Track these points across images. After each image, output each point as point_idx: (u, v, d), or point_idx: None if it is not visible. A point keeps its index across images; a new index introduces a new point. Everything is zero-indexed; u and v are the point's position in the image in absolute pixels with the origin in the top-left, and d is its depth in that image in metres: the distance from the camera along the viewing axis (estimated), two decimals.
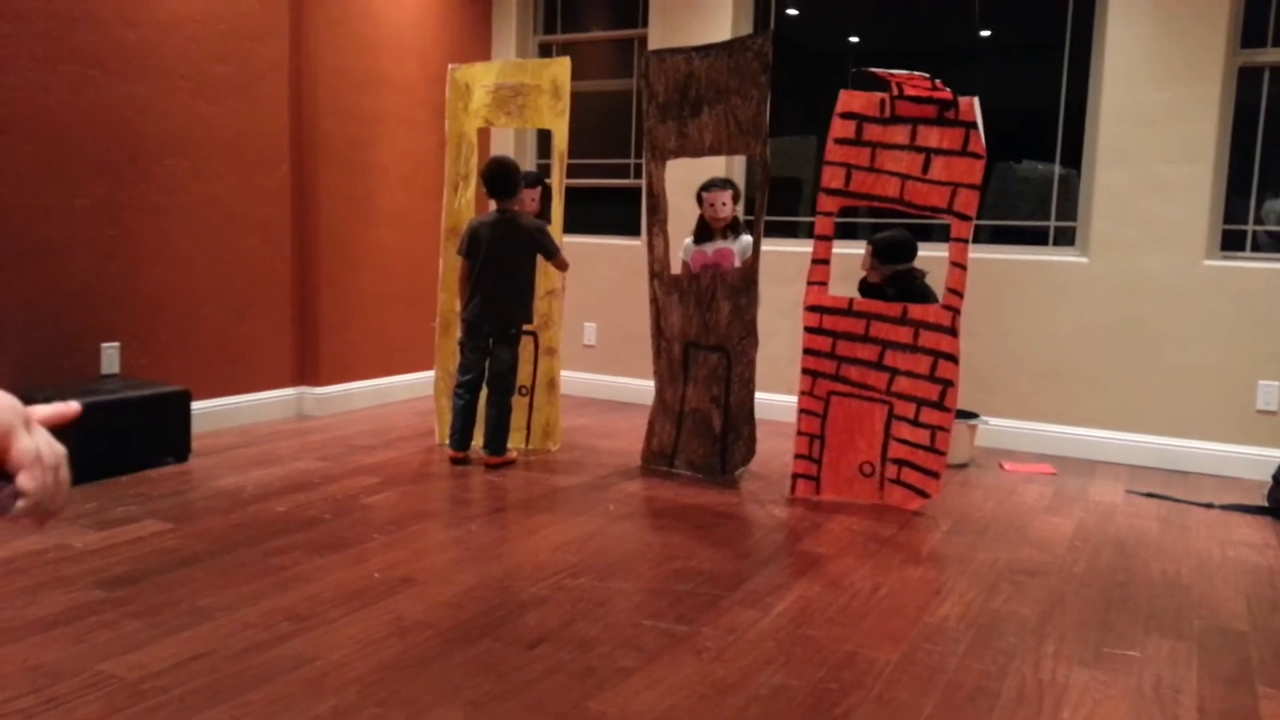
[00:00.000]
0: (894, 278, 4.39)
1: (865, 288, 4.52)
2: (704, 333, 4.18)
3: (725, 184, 4.48)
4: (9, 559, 2.98)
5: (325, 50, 5.12)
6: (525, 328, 4.46)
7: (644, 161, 4.27)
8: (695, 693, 2.29)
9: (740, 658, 2.49)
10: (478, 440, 4.43)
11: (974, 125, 3.60)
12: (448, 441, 4.44)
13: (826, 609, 2.83)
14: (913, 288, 4.30)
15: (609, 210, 6.25)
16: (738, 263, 4.33)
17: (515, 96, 4.57)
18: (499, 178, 4.25)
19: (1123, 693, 2.38)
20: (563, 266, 4.39)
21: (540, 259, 4.33)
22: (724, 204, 4.42)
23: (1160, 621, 2.84)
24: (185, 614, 2.62)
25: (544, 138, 6.25)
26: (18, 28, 3.93)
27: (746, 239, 4.39)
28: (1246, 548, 3.56)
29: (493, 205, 4.30)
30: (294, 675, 2.30)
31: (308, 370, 5.28)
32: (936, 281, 4.26)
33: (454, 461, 4.33)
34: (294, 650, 2.43)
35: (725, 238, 4.45)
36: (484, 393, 4.37)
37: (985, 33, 5.29)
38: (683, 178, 4.75)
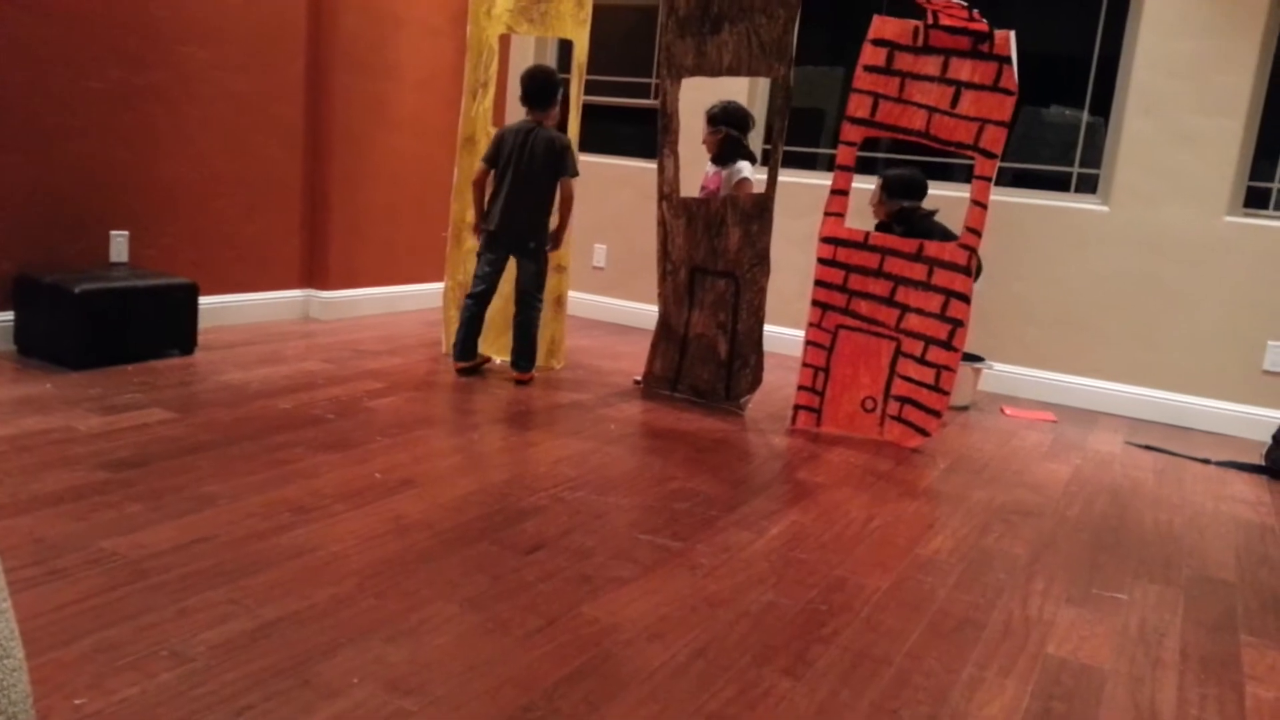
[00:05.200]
0: (900, 214, 4.35)
1: (882, 224, 4.48)
2: (712, 258, 4.15)
3: (707, 111, 4.43)
4: (15, 436, 3.01)
5: None
6: (559, 248, 4.43)
7: (659, 79, 4.18)
8: (687, 605, 2.33)
9: (733, 575, 2.52)
10: (490, 351, 4.44)
11: (1008, 60, 3.52)
12: (452, 352, 4.44)
13: (820, 535, 2.86)
14: (918, 226, 4.26)
15: (626, 131, 6.15)
16: (723, 190, 4.29)
17: (538, 3, 4.47)
18: (537, 87, 4.15)
19: (1108, 632, 2.42)
20: (567, 191, 4.19)
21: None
22: (706, 132, 4.42)
23: (1150, 568, 2.87)
24: (188, 499, 2.65)
25: (564, 49, 6.12)
26: None
27: (737, 166, 4.33)
28: (1240, 503, 3.59)
29: (524, 114, 4.22)
30: (294, 563, 2.33)
31: (316, 273, 5.26)
32: (955, 219, 4.22)
33: (459, 372, 4.33)
34: (295, 540, 2.46)
35: (722, 164, 4.39)
36: (494, 308, 4.37)
37: None
38: (701, 99, 4.65)
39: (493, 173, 4.21)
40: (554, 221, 4.30)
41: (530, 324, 4.29)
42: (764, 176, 4.16)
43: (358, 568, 2.35)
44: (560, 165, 4.15)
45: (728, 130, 4.37)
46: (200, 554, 2.33)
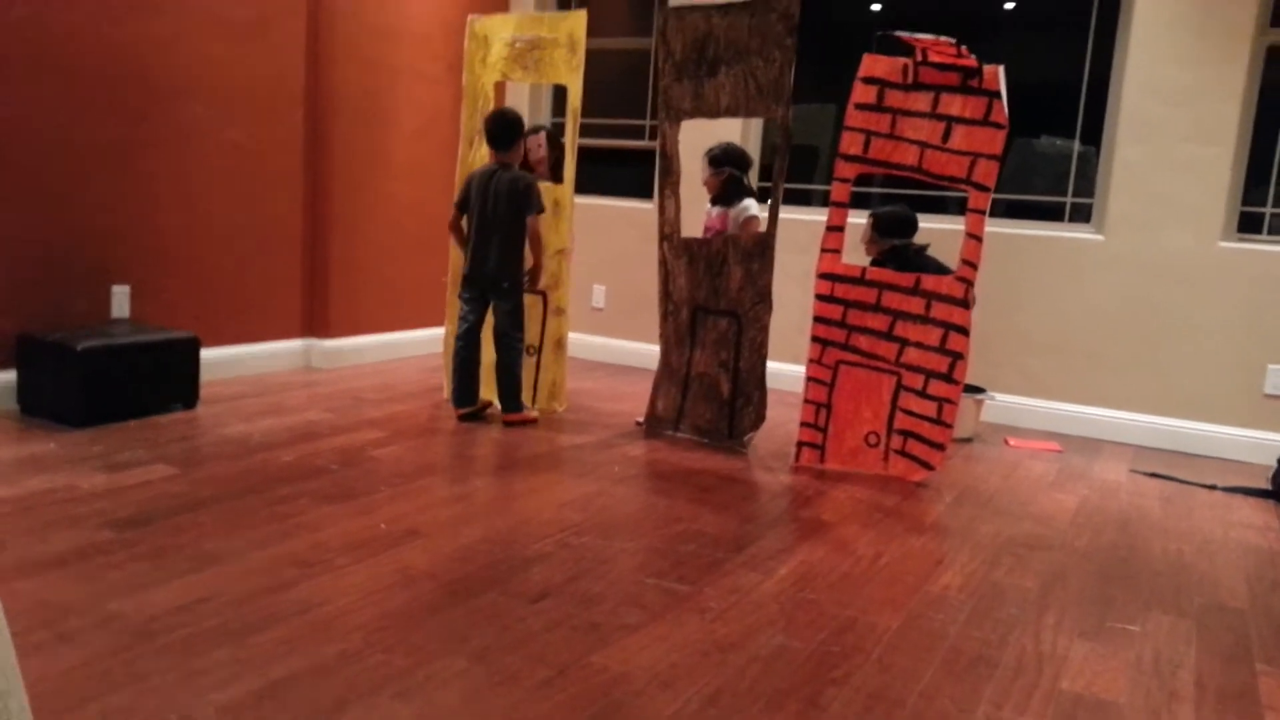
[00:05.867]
0: (891, 253, 4.38)
1: (877, 260, 4.50)
2: (713, 297, 4.17)
3: (706, 153, 4.47)
4: (20, 498, 3.00)
5: None
6: (538, 287, 4.46)
7: (658, 121, 4.23)
8: (697, 650, 2.31)
9: (742, 618, 2.50)
10: (490, 396, 4.46)
11: (998, 94, 3.56)
12: (451, 398, 4.46)
13: (829, 575, 2.85)
14: (911, 263, 4.29)
15: (622, 172, 6.21)
16: (730, 228, 4.32)
17: (532, 50, 4.53)
18: (497, 129, 4.24)
19: (1122, 665, 2.40)
20: (532, 229, 4.24)
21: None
22: (703, 170, 4.45)
23: (1161, 598, 2.85)
24: (192, 557, 2.64)
25: (559, 95, 6.19)
26: None
27: (743, 204, 4.36)
28: (1248, 529, 3.57)
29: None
30: (300, 620, 2.32)
31: (317, 322, 5.28)
32: (949, 252, 4.24)
33: (460, 418, 4.34)
34: (300, 595, 2.45)
35: (727, 203, 4.42)
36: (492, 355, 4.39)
37: (1009, 4, 5.22)
38: (700, 140, 4.70)
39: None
40: (531, 261, 4.36)
41: (511, 364, 4.31)
42: (764, 214, 4.19)
43: (364, 622, 2.33)
44: (524, 204, 4.20)
45: (730, 171, 4.41)
46: (206, 613, 2.32)
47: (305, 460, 3.59)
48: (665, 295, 4.30)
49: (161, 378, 4.11)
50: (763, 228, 4.21)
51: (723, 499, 3.50)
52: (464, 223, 4.34)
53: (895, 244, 4.39)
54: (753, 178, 4.64)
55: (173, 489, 3.18)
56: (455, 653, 2.21)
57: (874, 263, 4.41)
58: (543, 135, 4.72)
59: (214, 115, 4.64)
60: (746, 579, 2.77)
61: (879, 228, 4.44)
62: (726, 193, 4.41)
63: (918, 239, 4.47)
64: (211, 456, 3.57)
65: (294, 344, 5.21)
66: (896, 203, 4.76)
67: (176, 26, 4.42)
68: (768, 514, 3.39)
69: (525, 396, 4.61)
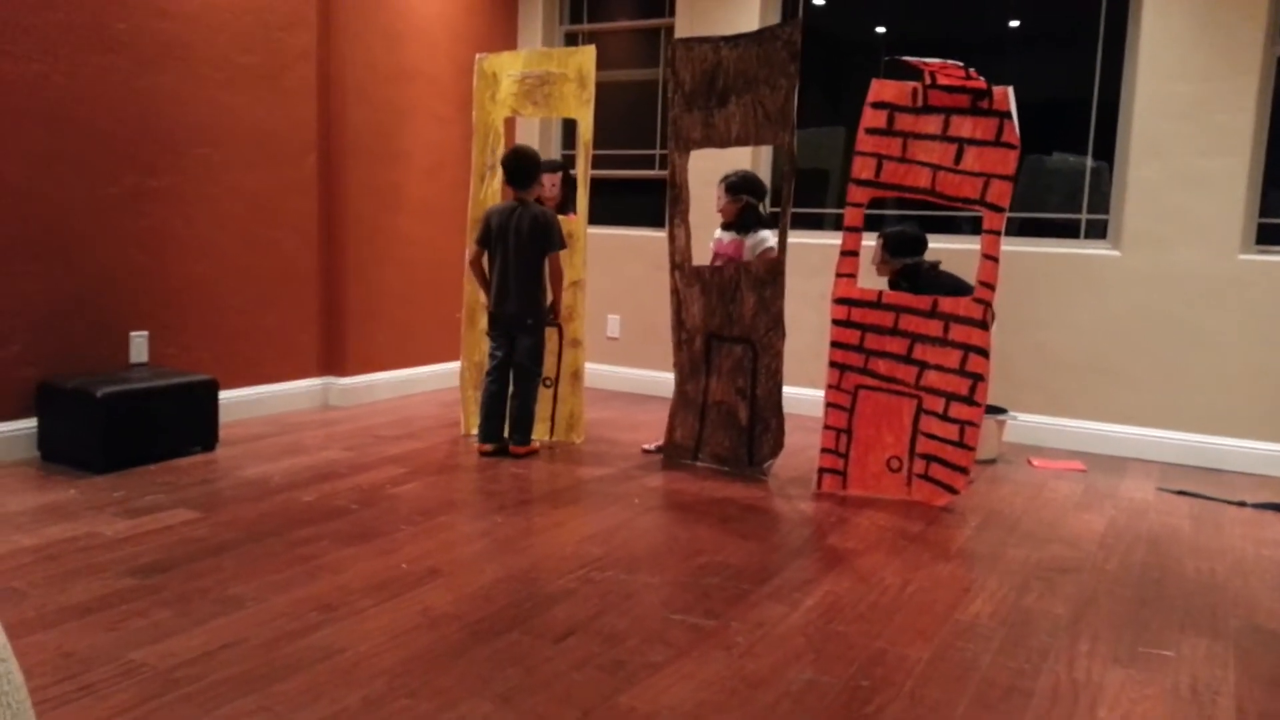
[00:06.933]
0: (903, 272, 4.36)
1: (894, 282, 4.48)
2: (727, 324, 4.16)
3: (722, 180, 4.44)
4: (41, 546, 3.00)
5: (353, 41, 5.12)
6: (553, 319, 4.47)
7: (668, 151, 4.24)
8: (725, 687, 2.27)
9: (770, 653, 2.47)
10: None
11: (1008, 115, 3.55)
12: (475, 433, 4.45)
13: (856, 605, 2.81)
14: (925, 279, 4.27)
15: (633, 202, 6.22)
16: (746, 257, 4.30)
17: (541, 85, 4.56)
18: (515, 167, 4.26)
19: (1159, 693, 2.34)
20: (554, 265, 4.29)
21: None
22: (717, 197, 4.42)
23: (1195, 620, 2.80)
24: (215, 603, 2.63)
25: (569, 128, 6.23)
26: (49, 17, 3.94)
27: (760, 235, 4.32)
28: None
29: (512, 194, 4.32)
30: (324, 665, 2.30)
31: (334, 361, 5.29)
32: (963, 272, 4.22)
33: (483, 454, 4.33)
34: (323, 640, 2.43)
35: (742, 231, 4.40)
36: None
37: (1014, 23, 5.22)
38: (707, 168, 4.71)
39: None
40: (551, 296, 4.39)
41: (527, 395, 4.32)
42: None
43: (388, 666, 2.31)
44: (545, 241, 4.22)
45: (748, 199, 4.40)
46: (229, 660, 2.30)
47: (325, 500, 3.58)
48: (678, 324, 4.29)
49: (181, 421, 4.13)
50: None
51: (745, 529, 3.47)
52: (484, 260, 4.35)
53: (907, 263, 4.38)
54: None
55: (194, 533, 3.18)
56: (480, 695, 2.19)
57: (890, 284, 4.39)
58: (558, 176, 4.75)
59: (228, 162, 4.69)
60: (773, 611, 2.73)
61: (889, 248, 4.43)
62: (742, 220, 4.40)
63: (928, 256, 4.45)
64: (232, 499, 3.56)
65: (311, 383, 5.23)
66: (900, 224, 4.75)
67: (188, 77, 4.48)
68: (791, 543, 3.35)
69: (543, 429, 4.61)
